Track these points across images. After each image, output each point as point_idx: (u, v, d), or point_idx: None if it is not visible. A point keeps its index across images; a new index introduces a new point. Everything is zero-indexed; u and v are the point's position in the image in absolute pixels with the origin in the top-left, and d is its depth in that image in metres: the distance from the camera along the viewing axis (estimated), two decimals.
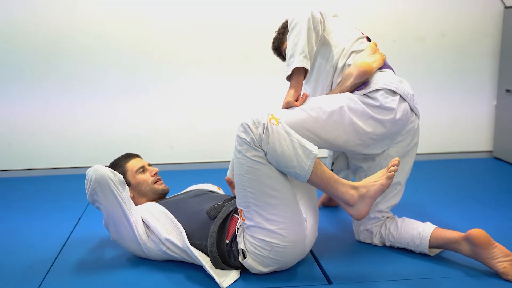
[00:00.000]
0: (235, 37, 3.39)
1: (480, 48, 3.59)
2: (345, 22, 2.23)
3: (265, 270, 1.88)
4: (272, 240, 1.81)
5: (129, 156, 2.26)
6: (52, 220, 2.55)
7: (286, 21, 2.38)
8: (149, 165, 2.27)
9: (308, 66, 2.00)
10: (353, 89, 2.08)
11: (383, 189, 1.79)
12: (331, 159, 2.43)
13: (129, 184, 2.15)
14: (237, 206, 1.87)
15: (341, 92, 2.08)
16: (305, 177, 1.78)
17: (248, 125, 1.76)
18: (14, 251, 2.19)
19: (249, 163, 1.77)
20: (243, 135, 1.77)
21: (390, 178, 1.78)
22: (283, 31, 2.39)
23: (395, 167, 1.77)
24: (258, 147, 1.77)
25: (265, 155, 1.77)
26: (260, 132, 1.75)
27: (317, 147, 1.81)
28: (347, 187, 1.82)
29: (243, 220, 1.85)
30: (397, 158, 1.78)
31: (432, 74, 3.58)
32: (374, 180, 1.81)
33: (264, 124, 1.76)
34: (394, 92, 2.04)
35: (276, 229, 1.80)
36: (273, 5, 3.35)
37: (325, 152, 2.65)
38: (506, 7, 3.52)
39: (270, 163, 1.78)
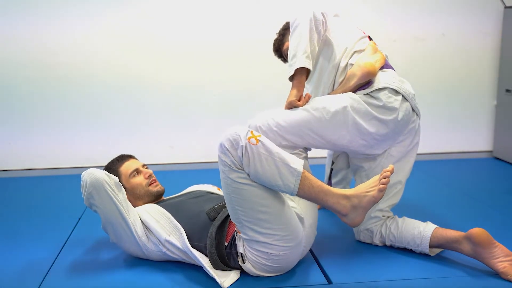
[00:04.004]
0: (235, 37, 3.39)
1: (480, 48, 3.59)
2: (346, 21, 2.23)
3: (264, 275, 1.88)
4: (268, 250, 1.81)
5: (122, 159, 2.21)
6: (52, 220, 2.54)
7: (287, 23, 2.39)
8: (144, 165, 2.23)
9: (310, 67, 2.00)
10: (355, 89, 2.07)
11: (375, 201, 1.77)
12: (331, 158, 2.43)
13: (124, 188, 2.13)
14: (231, 220, 1.86)
15: (343, 92, 2.08)
16: (292, 194, 1.76)
17: (226, 147, 1.72)
18: (14, 251, 2.19)
19: (234, 184, 1.75)
20: (223, 157, 1.74)
21: (382, 191, 1.75)
22: (283, 32, 2.39)
23: (387, 179, 1.74)
24: (239, 169, 1.73)
25: (249, 176, 1.74)
26: (240, 154, 1.71)
27: (302, 163, 1.77)
28: (338, 198, 1.78)
29: (239, 233, 1.85)
30: (390, 167, 1.75)
31: (432, 74, 3.58)
32: (367, 190, 1.78)
33: (242, 146, 1.71)
34: (396, 92, 2.04)
35: (271, 241, 1.80)
36: (268, 3, 3.36)
37: (324, 152, 2.65)
38: (506, 7, 3.52)
39: (255, 182, 1.76)
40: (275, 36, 2.42)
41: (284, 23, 2.42)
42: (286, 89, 2.14)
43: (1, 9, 3.21)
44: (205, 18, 3.35)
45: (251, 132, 1.75)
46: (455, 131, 3.68)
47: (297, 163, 1.76)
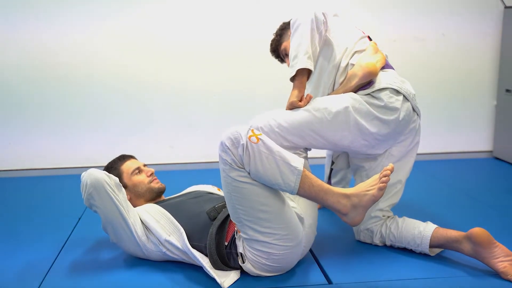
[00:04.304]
0: (235, 37, 3.39)
1: (480, 48, 3.59)
2: (346, 21, 2.23)
3: (264, 274, 1.88)
4: (269, 250, 1.81)
5: (123, 158, 2.24)
6: (52, 220, 2.54)
7: (284, 23, 2.39)
8: (145, 165, 2.25)
9: (312, 67, 1.99)
10: (357, 89, 2.07)
11: (375, 200, 1.76)
12: (331, 158, 2.43)
13: (125, 187, 2.13)
14: (231, 219, 1.87)
15: (344, 92, 2.08)
16: (293, 192, 1.76)
17: (227, 146, 1.73)
18: (14, 251, 2.19)
19: (234, 182, 1.75)
20: (223, 155, 1.74)
21: (382, 189, 1.75)
22: (281, 33, 2.39)
23: (387, 178, 1.74)
24: (240, 167, 1.73)
25: (249, 174, 1.74)
26: (240, 152, 1.71)
27: (302, 162, 1.77)
28: (338, 197, 1.78)
29: (239, 232, 1.85)
30: (390, 166, 1.75)
31: (432, 74, 3.58)
32: (367, 188, 1.77)
33: (243, 144, 1.71)
34: (398, 92, 2.04)
35: (271, 241, 1.80)
36: (268, 3, 3.36)
37: (324, 152, 2.65)
38: (506, 7, 3.52)
39: (255, 180, 1.76)
40: (272, 37, 2.42)
41: (281, 23, 2.42)
42: (286, 90, 2.14)
43: (1, 9, 3.21)
44: (205, 18, 3.35)
45: (252, 130, 1.75)
46: (455, 131, 3.68)
47: (298, 161, 1.76)
